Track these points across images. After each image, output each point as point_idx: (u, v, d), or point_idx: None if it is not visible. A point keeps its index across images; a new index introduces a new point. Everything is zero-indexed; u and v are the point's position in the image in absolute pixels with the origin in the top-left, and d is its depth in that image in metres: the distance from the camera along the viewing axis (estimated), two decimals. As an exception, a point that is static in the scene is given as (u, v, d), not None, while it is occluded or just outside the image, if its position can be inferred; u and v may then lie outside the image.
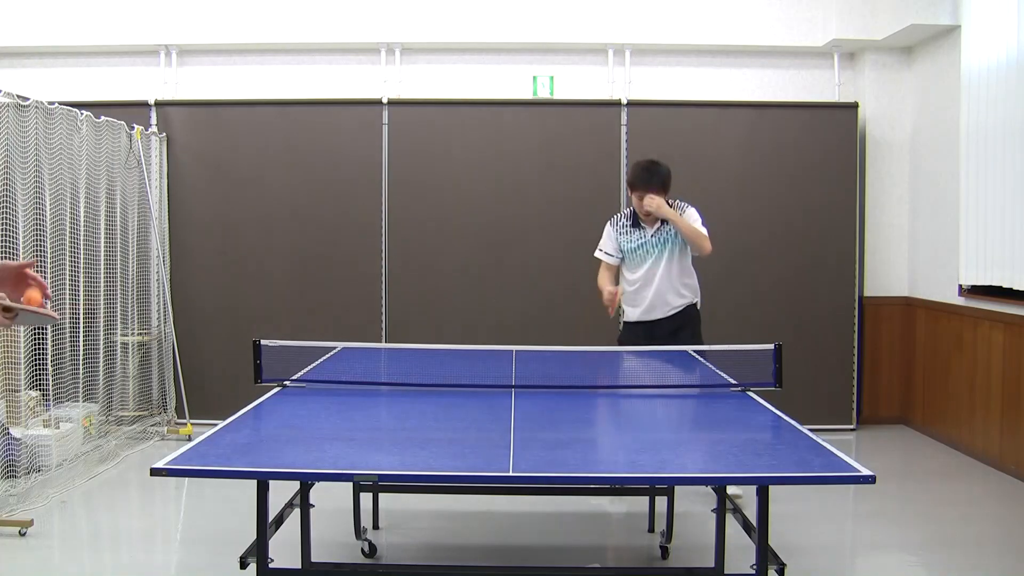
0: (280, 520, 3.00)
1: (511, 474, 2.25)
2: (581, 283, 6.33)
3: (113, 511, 4.61)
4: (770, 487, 2.46)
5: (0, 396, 4.63)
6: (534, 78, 6.57)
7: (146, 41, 6.46)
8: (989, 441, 5.46)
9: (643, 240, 4.51)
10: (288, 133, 6.36)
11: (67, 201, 5.16)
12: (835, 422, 6.30)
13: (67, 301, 5.10)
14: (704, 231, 4.46)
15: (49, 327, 4.82)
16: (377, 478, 2.39)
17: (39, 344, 4.86)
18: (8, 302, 1.95)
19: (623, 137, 6.34)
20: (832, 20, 6.26)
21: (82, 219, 5.34)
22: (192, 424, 6.05)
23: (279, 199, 6.36)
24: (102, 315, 5.54)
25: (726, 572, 2.81)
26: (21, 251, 4.60)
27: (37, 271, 2.08)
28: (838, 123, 6.33)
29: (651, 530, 4.17)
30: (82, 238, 5.33)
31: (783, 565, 2.64)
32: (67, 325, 5.10)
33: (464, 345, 4.79)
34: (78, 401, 5.23)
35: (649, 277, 4.52)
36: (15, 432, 4.61)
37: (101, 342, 5.51)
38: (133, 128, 6.00)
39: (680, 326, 4.54)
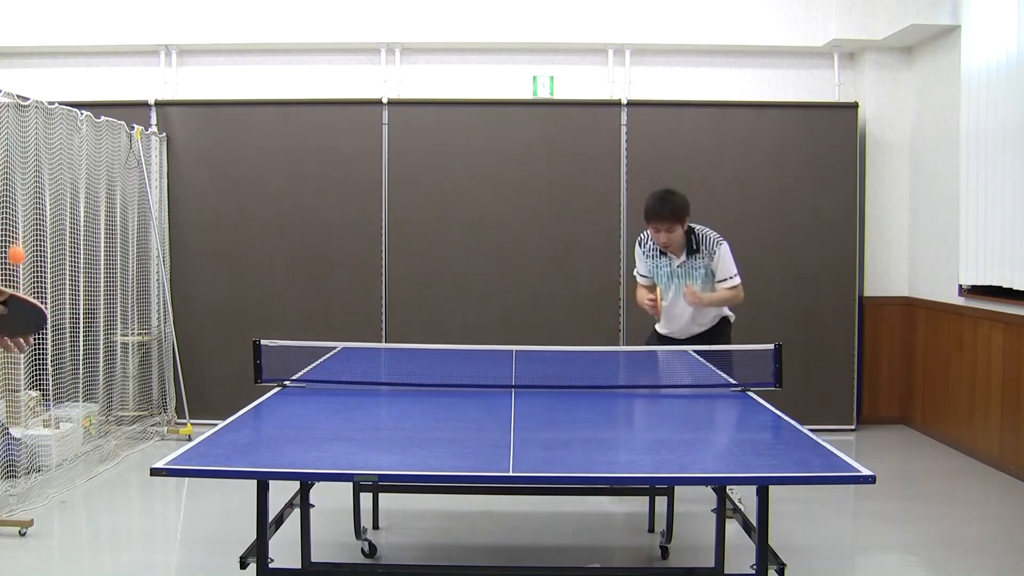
0: (280, 520, 3.00)
1: (511, 474, 2.25)
2: (581, 283, 6.35)
3: (113, 511, 4.61)
4: (770, 487, 2.46)
5: (0, 396, 4.63)
6: (534, 78, 6.57)
7: (146, 41, 6.46)
8: (989, 441, 5.46)
9: (670, 269, 4.38)
10: (288, 133, 6.36)
11: (67, 201, 5.16)
12: (835, 422, 6.30)
13: (67, 301, 5.10)
14: (736, 281, 4.34)
15: (46, 330, 4.82)
16: (377, 478, 2.39)
17: (39, 344, 4.86)
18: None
19: (623, 137, 6.34)
20: (832, 20, 6.26)
21: (82, 219, 5.34)
22: (192, 424, 6.05)
23: (279, 199, 6.36)
24: (102, 315, 5.54)
25: (726, 572, 2.81)
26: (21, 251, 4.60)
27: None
28: (838, 123, 6.33)
29: (651, 530, 4.17)
30: (82, 238, 5.33)
31: (783, 565, 2.64)
32: (67, 325, 5.09)
33: (464, 345, 4.79)
34: (78, 401, 5.23)
35: (678, 300, 4.41)
36: (15, 432, 4.61)
37: (101, 342, 5.51)
38: (133, 128, 6.00)
39: (710, 341, 4.46)
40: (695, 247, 4.33)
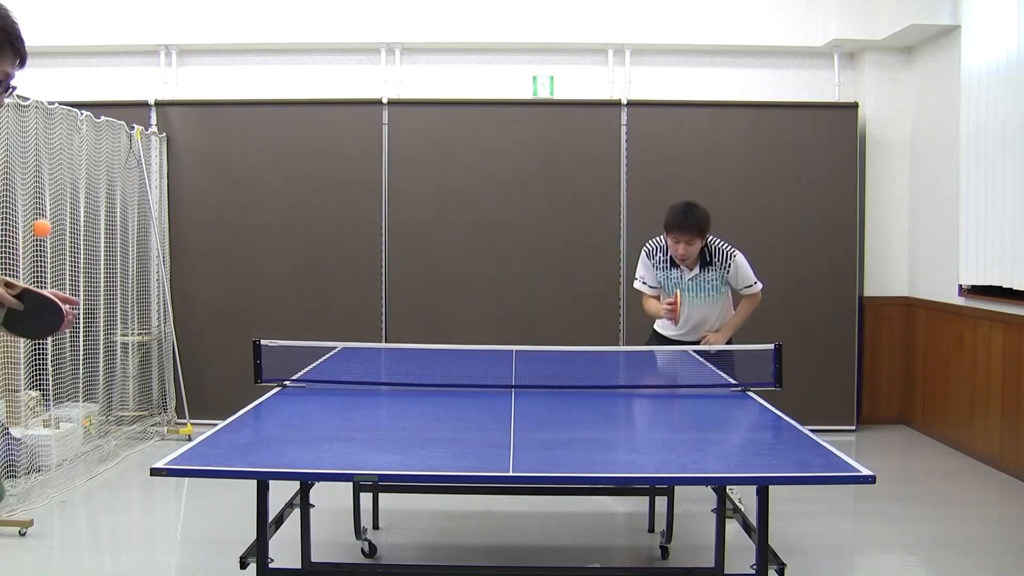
0: (280, 520, 3.00)
1: (511, 474, 2.25)
2: (581, 283, 6.35)
3: (113, 511, 4.61)
4: (770, 487, 2.46)
5: (0, 396, 4.63)
6: (534, 78, 6.57)
7: (146, 41, 6.46)
8: (989, 441, 5.46)
9: (680, 282, 4.33)
10: (288, 133, 6.36)
11: (67, 201, 5.16)
12: (835, 422, 6.29)
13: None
14: (758, 287, 4.33)
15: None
16: (377, 478, 2.39)
17: (39, 344, 4.86)
18: (10, 280, 1.91)
19: (623, 137, 6.34)
20: (832, 20, 6.26)
21: (82, 219, 5.34)
22: (192, 424, 6.05)
23: (279, 199, 6.36)
24: (102, 315, 5.54)
25: (726, 572, 2.81)
26: (21, 251, 4.61)
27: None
28: (838, 123, 6.33)
29: (651, 530, 4.17)
30: (82, 238, 5.33)
31: (783, 565, 2.64)
32: (67, 325, 5.09)
33: (464, 345, 4.79)
34: (78, 401, 5.23)
35: (691, 312, 4.39)
36: (15, 432, 4.61)
37: (101, 342, 5.51)
38: (133, 128, 6.00)
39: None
40: (708, 259, 4.29)
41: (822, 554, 4.02)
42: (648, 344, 4.64)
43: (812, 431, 2.69)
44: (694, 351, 4.23)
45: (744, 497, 4.15)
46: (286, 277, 6.37)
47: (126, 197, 5.91)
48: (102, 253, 5.58)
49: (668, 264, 4.35)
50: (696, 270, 4.30)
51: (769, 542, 2.52)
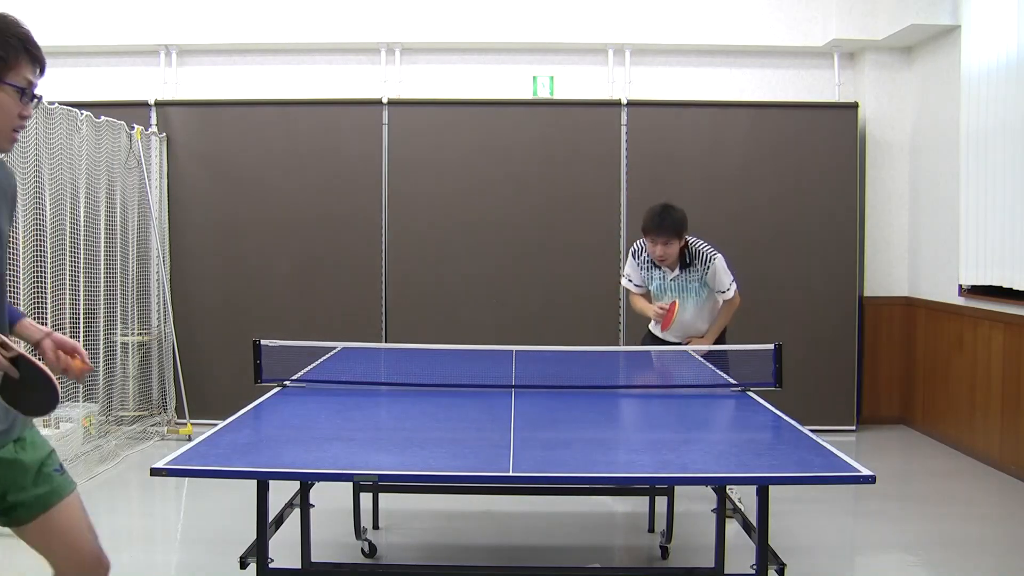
0: (280, 520, 3.00)
1: (511, 474, 2.25)
2: (581, 283, 6.35)
3: (113, 511, 4.60)
4: (770, 487, 2.46)
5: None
6: (534, 78, 6.57)
7: (146, 41, 6.46)
8: (989, 441, 5.46)
9: (663, 282, 4.42)
10: (288, 133, 6.36)
11: (67, 201, 5.16)
12: (835, 422, 6.29)
13: (67, 301, 5.10)
14: (731, 293, 4.38)
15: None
16: (377, 478, 2.39)
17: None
18: (7, 340, 1.81)
19: (623, 137, 6.34)
20: (832, 20, 6.26)
21: (82, 219, 5.34)
22: (192, 424, 6.05)
23: (279, 199, 6.35)
24: (102, 315, 5.54)
25: (726, 572, 2.81)
26: (21, 252, 4.60)
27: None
28: (838, 123, 6.33)
29: (651, 530, 4.17)
30: (82, 238, 5.33)
31: (783, 565, 2.64)
32: (67, 325, 5.09)
33: (464, 345, 4.79)
34: (78, 401, 5.23)
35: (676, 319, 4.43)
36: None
37: (101, 342, 5.51)
38: (133, 128, 6.00)
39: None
40: (689, 261, 4.34)
41: (822, 554, 4.02)
42: (643, 344, 4.67)
43: (812, 431, 2.68)
44: (693, 351, 4.23)
45: (744, 497, 4.15)
46: (286, 277, 6.37)
47: (126, 197, 5.91)
48: (102, 253, 5.58)
49: (651, 264, 4.43)
50: (677, 271, 4.37)
51: (769, 542, 2.52)
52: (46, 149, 4.93)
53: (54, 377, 1.83)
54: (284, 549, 2.83)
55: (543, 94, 6.55)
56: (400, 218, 6.35)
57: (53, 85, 6.27)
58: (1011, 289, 5.15)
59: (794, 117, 6.35)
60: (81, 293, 5.27)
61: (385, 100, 6.36)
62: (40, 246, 4.88)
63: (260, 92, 6.51)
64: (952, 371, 5.90)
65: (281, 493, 2.92)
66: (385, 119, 6.35)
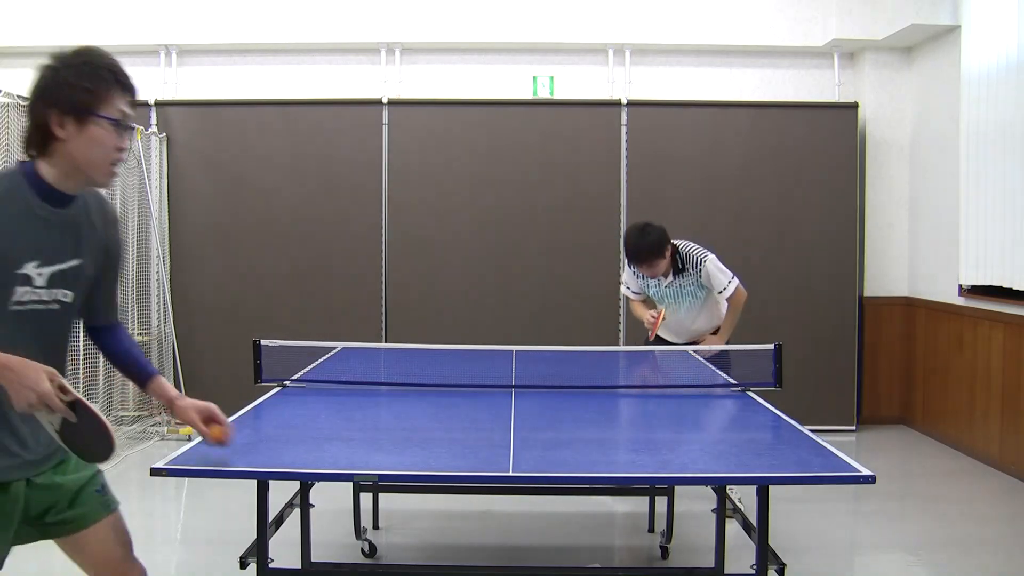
0: (280, 520, 3.00)
1: (511, 474, 2.25)
2: (581, 283, 6.35)
3: (113, 511, 4.60)
4: (770, 487, 2.46)
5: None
6: (534, 78, 6.57)
7: (146, 41, 6.45)
8: (989, 441, 5.46)
9: (659, 290, 4.44)
10: (288, 133, 6.35)
11: (67, 201, 5.15)
12: (835, 422, 6.29)
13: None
14: (732, 289, 4.34)
15: None
16: (377, 478, 2.39)
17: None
18: (67, 384, 1.77)
19: (623, 137, 6.34)
20: (832, 20, 6.26)
21: (82, 219, 5.33)
22: (192, 424, 6.04)
23: (279, 199, 6.35)
24: (102, 315, 5.53)
25: (726, 572, 2.81)
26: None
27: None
28: (838, 123, 6.33)
29: (651, 530, 4.17)
30: (82, 238, 5.32)
31: (783, 565, 2.64)
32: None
33: (464, 345, 4.79)
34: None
35: (674, 315, 4.46)
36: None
37: (101, 342, 5.50)
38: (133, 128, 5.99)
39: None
40: (681, 266, 4.35)
41: (822, 554, 4.02)
42: (645, 344, 4.68)
43: (812, 431, 2.68)
44: (693, 351, 4.24)
45: (744, 497, 4.15)
46: (286, 277, 6.36)
47: (126, 197, 5.91)
48: (102, 253, 5.57)
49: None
50: (671, 277, 4.37)
51: (769, 542, 2.51)
52: (46, 149, 4.92)
53: (109, 425, 1.82)
54: (284, 549, 2.83)
55: (543, 94, 6.55)
56: (400, 217, 6.35)
57: (53, 85, 6.32)
58: (1011, 289, 5.15)
59: (794, 117, 6.35)
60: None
61: (385, 100, 6.36)
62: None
63: (260, 92, 6.51)
64: (952, 371, 5.90)
65: (281, 493, 2.92)
66: (385, 119, 6.34)
